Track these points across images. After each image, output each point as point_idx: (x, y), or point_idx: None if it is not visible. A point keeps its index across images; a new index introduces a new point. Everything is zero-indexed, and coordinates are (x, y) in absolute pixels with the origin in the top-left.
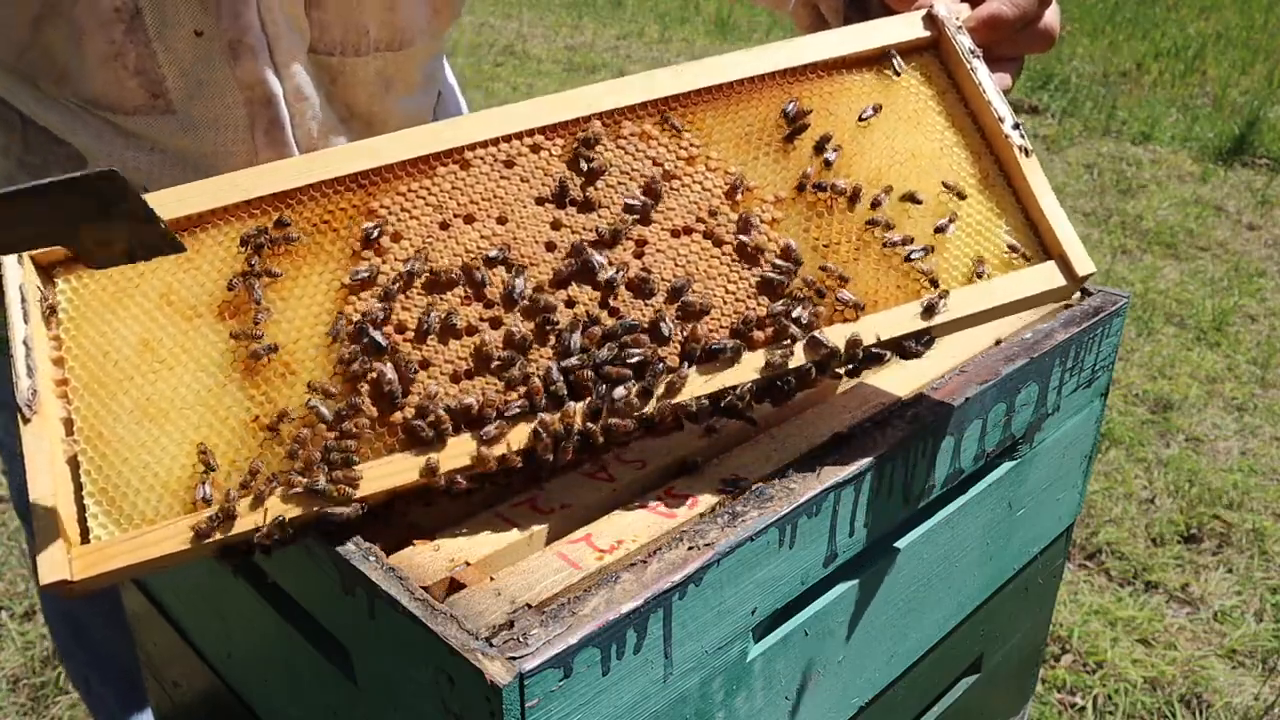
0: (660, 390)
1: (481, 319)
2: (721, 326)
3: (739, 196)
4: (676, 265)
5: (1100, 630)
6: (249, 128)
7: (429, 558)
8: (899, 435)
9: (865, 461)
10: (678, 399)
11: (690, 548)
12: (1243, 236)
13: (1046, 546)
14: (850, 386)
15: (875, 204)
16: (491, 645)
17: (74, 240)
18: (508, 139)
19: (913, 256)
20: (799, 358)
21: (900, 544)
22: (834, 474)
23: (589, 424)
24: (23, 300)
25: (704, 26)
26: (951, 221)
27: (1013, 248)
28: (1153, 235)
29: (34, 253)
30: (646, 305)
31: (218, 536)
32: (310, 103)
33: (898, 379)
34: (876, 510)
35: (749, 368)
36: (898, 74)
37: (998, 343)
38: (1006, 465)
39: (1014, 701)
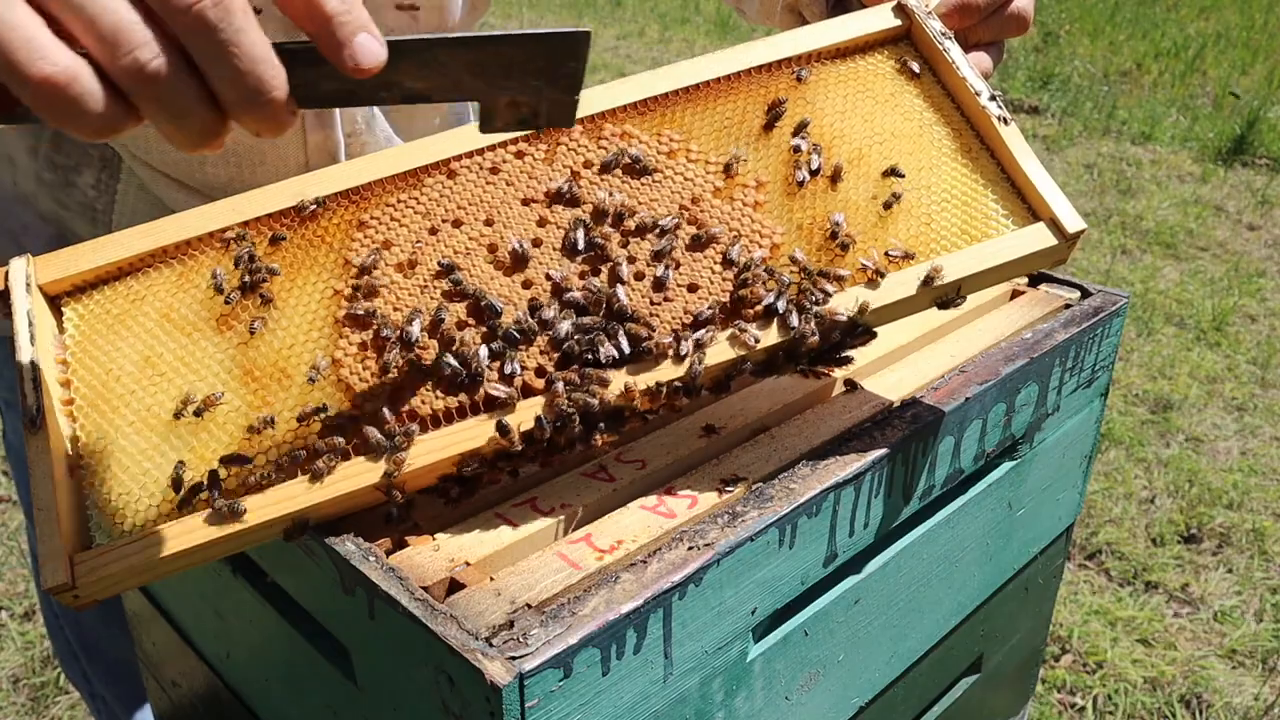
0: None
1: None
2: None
3: (726, 180)
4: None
5: (1100, 630)
6: None
7: (429, 558)
8: (899, 435)
9: (865, 461)
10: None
11: (690, 548)
12: (1243, 236)
13: (1046, 546)
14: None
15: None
16: (491, 645)
17: (490, 97)
18: (492, 148)
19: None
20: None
21: (900, 544)
22: (834, 474)
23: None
24: (30, 325)
25: (704, 26)
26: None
27: (1002, 214)
28: (1153, 235)
29: (42, 284)
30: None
31: (225, 532)
32: None
33: (898, 379)
34: (876, 510)
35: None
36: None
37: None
38: (1006, 465)
39: (1014, 701)
